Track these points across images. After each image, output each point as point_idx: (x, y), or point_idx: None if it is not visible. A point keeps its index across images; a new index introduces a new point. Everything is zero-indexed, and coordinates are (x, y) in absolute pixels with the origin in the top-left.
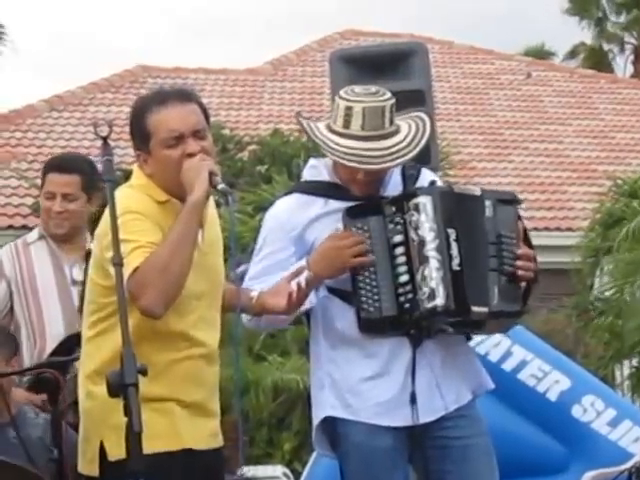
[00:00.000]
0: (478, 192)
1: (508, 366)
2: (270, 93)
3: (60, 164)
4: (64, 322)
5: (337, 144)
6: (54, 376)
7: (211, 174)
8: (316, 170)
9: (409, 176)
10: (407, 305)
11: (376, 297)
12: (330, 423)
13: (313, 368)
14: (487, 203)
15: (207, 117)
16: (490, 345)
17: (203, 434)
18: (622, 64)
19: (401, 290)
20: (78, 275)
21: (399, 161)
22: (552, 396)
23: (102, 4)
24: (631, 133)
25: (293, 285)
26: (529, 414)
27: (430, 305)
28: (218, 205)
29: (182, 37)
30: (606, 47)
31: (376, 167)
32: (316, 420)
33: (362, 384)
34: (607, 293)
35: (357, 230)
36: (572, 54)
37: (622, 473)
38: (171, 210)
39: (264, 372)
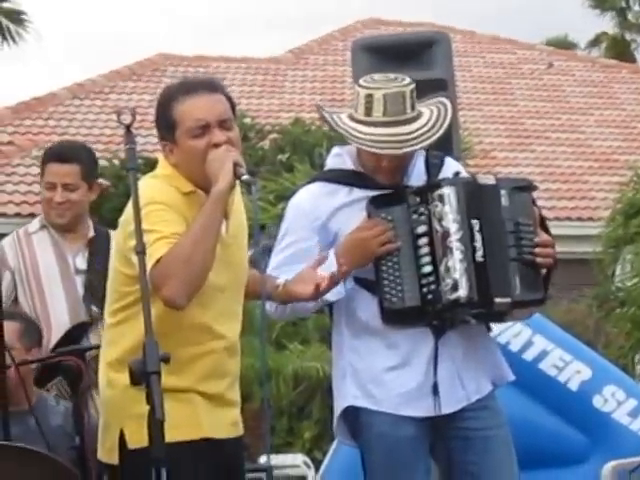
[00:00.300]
0: (493, 181)
1: (529, 356)
2: (291, 82)
3: (59, 154)
4: (68, 311)
5: (360, 132)
6: (76, 364)
7: (236, 165)
8: (340, 158)
9: (433, 165)
10: (430, 296)
11: (399, 287)
12: (352, 413)
13: (335, 358)
14: (502, 192)
15: (233, 107)
16: (511, 335)
17: (224, 423)
18: None
19: (424, 281)
20: (81, 264)
21: (422, 145)
22: (573, 386)
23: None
24: None
25: (324, 273)
26: (550, 404)
27: (453, 296)
28: (242, 194)
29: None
30: (628, 37)
31: (399, 152)
32: (338, 410)
33: (385, 374)
34: (628, 283)
35: (381, 220)
36: (594, 44)
37: None
38: (196, 201)
39: (285, 360)
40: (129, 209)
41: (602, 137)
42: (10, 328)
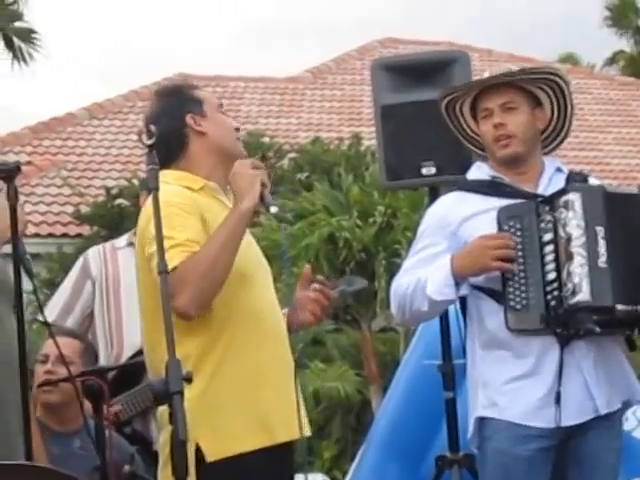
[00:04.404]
0: (636, 191)
1: None
2: (309, 101)
3: None
4: (141, 331)
5: None
6: (97, 384)
7: (263, 186)
8: (480, 170)
9: (572, 182)
10: (553, 302)
11: (524, 295)
12: (480, 423)
13: (468, 367)
14: None
15: None
16: None
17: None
18: None
19: (549, 288)
20: None
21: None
22: None
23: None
24: None
25: (314, 295)
26: None
27: (573, 301)
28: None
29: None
30: None
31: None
32: (470, 421)
33: (509, 384)
34: None
35: (510, 228)
36: (611, 62)
37: None
38: (208, 194)
39: (305, 380)
40: (141, 225)
41: (620, 155)
42: (73, 345)
